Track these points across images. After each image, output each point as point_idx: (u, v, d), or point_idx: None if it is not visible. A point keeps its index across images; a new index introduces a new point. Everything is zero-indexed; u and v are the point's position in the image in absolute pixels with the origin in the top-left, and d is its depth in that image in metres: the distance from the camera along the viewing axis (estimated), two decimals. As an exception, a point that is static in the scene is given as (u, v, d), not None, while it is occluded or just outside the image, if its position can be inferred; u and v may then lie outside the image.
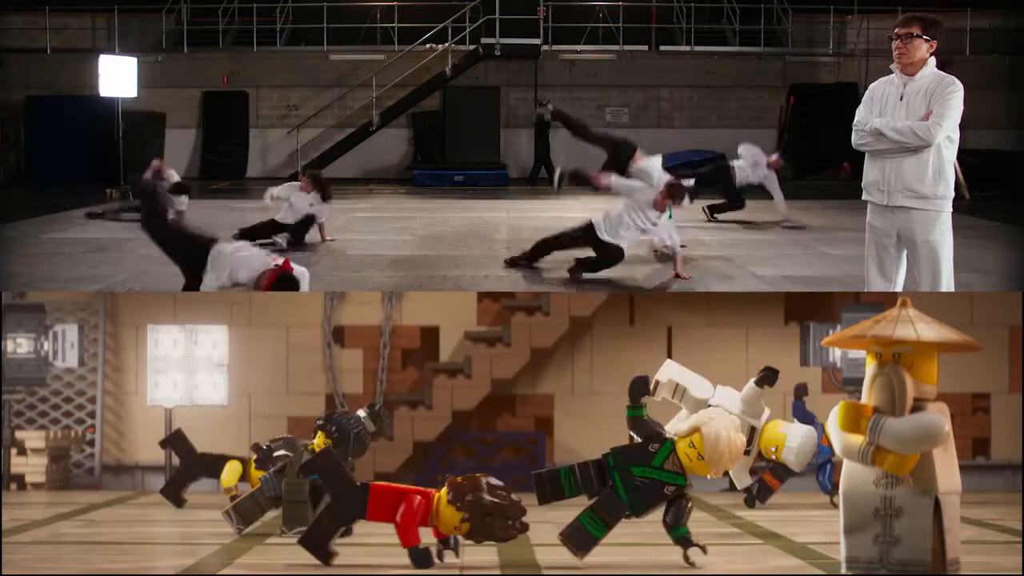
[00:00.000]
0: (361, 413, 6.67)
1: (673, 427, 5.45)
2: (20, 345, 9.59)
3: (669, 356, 10.32)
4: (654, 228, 11.07)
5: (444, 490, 5.16)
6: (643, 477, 5.27)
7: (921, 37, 6.37)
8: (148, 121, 25.49)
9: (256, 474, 7.85)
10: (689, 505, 5.32)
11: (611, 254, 10.91)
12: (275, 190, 13.94)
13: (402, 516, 5.16)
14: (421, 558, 5.22)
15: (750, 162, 16.30)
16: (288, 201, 13.64)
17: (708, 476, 5.37)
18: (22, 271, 11.60)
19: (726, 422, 5.25)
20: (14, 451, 9.78)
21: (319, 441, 6.67)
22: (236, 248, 8.83)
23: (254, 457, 7.94)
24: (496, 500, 5.07)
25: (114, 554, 6.16)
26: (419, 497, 5.20)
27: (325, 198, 13.82)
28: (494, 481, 5.14)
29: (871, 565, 4.39)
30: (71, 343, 9.79)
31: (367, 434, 6.62)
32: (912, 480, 4.34)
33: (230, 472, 8.16)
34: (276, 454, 7.23)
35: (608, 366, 10.26)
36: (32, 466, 9.79)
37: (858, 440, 4.38)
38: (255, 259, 8.70)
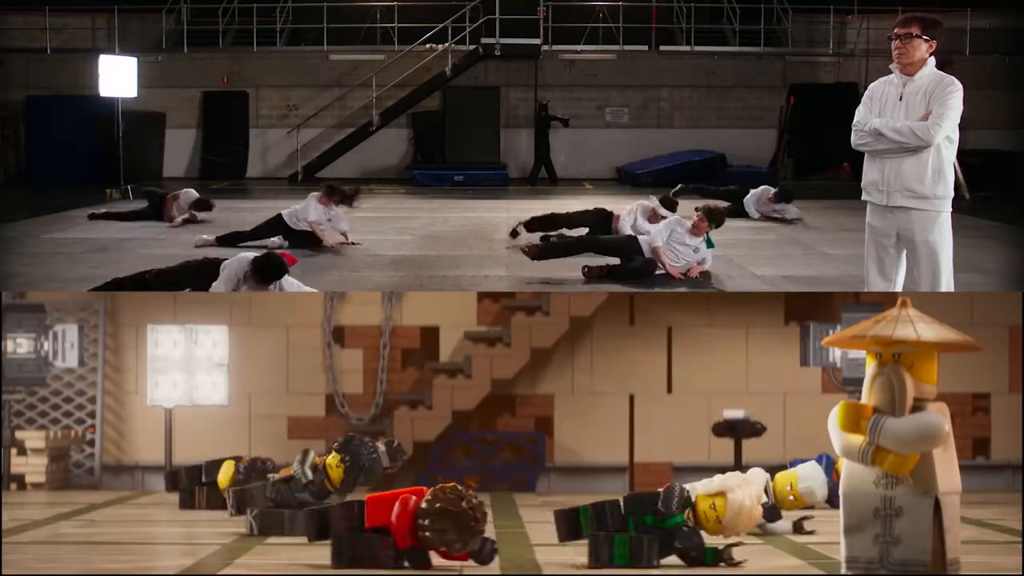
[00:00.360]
0: (380, 446, 6.64)
1: (700, 486, 5.52)
2: (20, 345, 9.58)
3: (669, 356, 10.34)
4: (696, 255, 11.05)
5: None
6: (655, 526, 5.31)
7: (921, 37, 6.36)
8: (148, 121, 25.51)
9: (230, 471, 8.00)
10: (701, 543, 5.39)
11: (643, 270, 10.97)
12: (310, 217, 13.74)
13: (397, 518, 5.17)
14: (417, 558, 5.22)
15: (753, 201, 17.31)
16: (307, 215, 13.59)
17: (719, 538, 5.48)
18: (22, 271, 11.60)
19: (751, 492, 5.37)
20: (14, 451, 9.77)
21: (332, 460, 6.67)
22: (239, 258, 9.02)
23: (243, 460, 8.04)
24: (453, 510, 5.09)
25: (114, 554, 6.16)
26: (413, 498, 5.20)
27: (350, 204, 13.81)
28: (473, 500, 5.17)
29: (871, 565, 4.39)
30: (71, 343, 9.78)
31: (380, 468, 6.59)
32: (912, 480, 4.34)
33: (226, 472, 8.16)
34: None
35: (608, 366, 10.25)
36: (32, 466, 9.78)
37: (858, 440, 4.38)
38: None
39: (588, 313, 10.09)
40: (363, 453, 6.53)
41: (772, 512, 6.72)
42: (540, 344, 10.06)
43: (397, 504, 5.18)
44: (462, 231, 15.44)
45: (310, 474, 6.75)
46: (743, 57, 27.87)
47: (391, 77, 26.43)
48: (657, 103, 28.00)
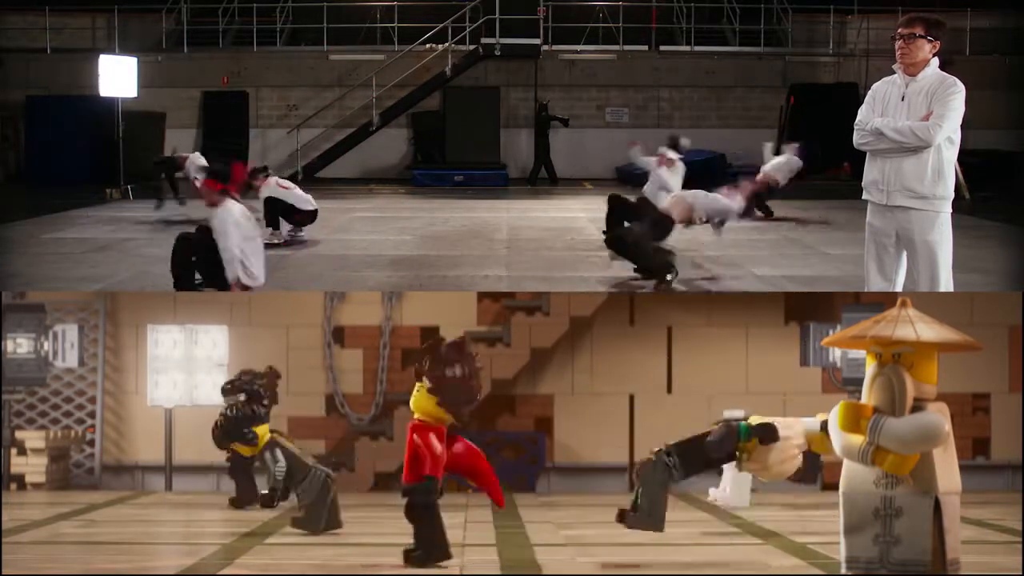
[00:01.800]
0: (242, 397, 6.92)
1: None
2: (20, 345, 9.59)
3: (669, 356, 10.34)
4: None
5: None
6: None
7: (924, 37, 6.35)
8: (148, 121, 25.48)
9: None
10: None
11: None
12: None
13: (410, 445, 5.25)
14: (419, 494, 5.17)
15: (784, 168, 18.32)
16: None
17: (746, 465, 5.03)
18: (22, 271, 11.60)
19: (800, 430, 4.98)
20: (14, 451, 9.77)
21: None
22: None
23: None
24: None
25: (114, 554, 6.16)
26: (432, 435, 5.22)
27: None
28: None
29: (871, 565, 4.38)
30: (71, 343, 9.78)
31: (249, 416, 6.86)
32: (912, 480, 4.33)
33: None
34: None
35: (608, 366, 10.25)
36: (32, 466, 9.79)
37: (858, 440, 4.37)
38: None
39: (588, 313, 10.09)
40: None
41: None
42: (540, 344, 10.06)
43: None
44: (462, 231, 15.45)
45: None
46: (743, 57, 27.88)
47: (391, 77, 26.43)
48: (657, 103, 28.00)
